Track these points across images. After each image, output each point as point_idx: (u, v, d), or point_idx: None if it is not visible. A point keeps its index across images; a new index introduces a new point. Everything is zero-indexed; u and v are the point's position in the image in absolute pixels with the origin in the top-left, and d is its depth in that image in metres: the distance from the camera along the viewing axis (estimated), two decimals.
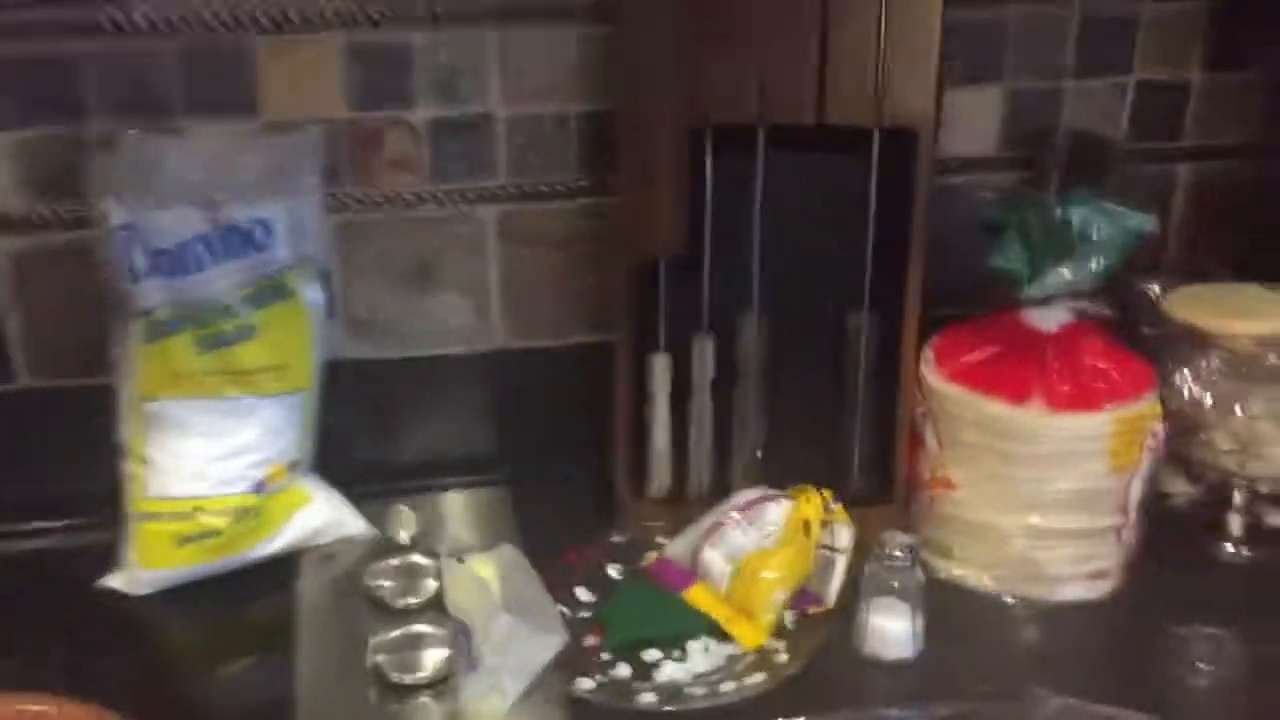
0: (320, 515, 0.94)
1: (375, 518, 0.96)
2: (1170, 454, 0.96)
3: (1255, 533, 0.99)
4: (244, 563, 0.91)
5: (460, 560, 0.87)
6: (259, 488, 0.90)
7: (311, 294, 0.93)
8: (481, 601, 0.82)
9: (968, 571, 0.93)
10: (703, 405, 0.97)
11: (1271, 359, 0.96)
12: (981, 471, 0.91)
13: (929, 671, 0.84)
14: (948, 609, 0.89)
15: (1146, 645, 0.89)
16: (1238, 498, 0.99)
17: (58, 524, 0.95)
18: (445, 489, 1.03)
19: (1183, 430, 0.96)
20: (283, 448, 0.92)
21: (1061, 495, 0.89)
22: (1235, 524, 1.00)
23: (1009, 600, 0.91)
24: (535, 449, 1.05)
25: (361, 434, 1.03)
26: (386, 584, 0.89)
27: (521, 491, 1.02)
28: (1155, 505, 0.95)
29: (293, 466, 0.93)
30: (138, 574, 0.89)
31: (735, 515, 0.91)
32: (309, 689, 0.80)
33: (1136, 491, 0.91)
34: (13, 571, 0.92)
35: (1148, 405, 0.91)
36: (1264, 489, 0.97)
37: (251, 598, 0.90)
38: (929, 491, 0.94)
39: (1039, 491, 0.89)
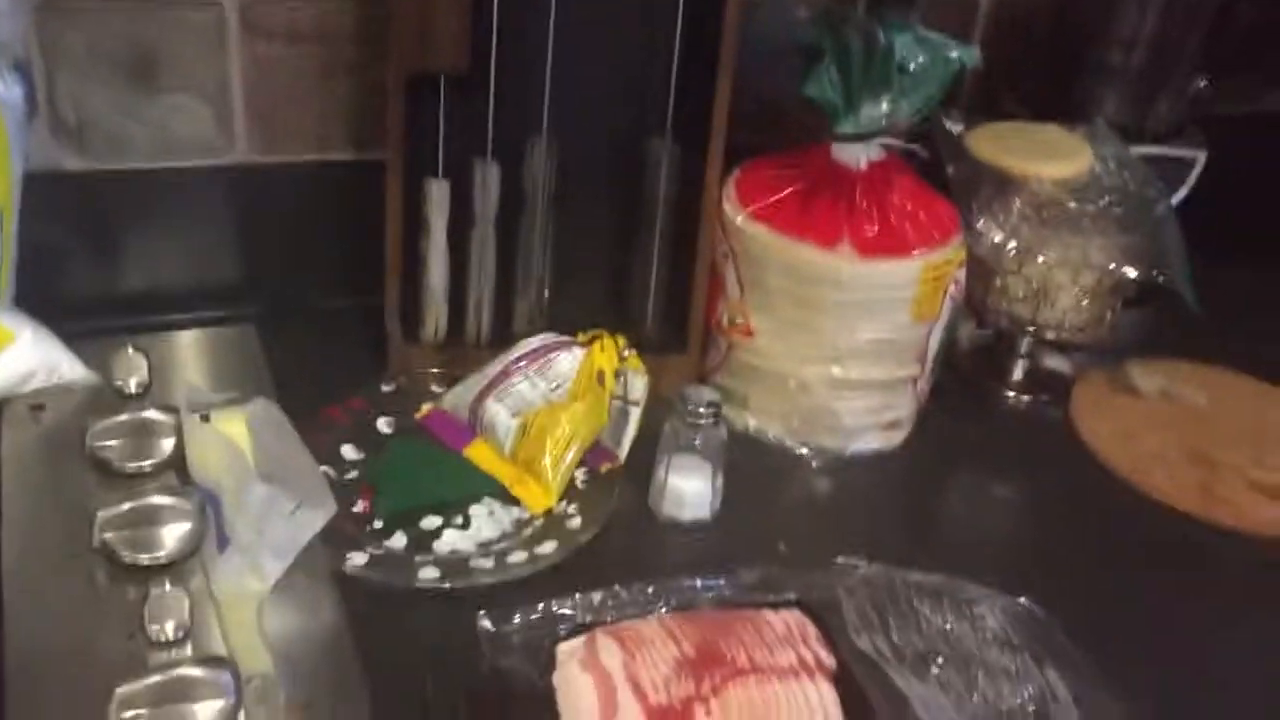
0: (26, 357, 0.79)
1: (97, 362, 0.81)
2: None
3: (1035, 378, 1.00)
4: None
5: (204, 417, 0.75)
6: None
7: (5, 90, 0.76)
8: (231, 466, 0.71)
9: (763, 422, 0.88)
10: (485, 238, 0.86)
11: (1071, 204, 0.94)
12: (783, 319, 0.85)
13: (729, 533, 0.80)
14: (742, 462, 0.85)
15: (935, 496, 0.89)
16: (1024, 345, 0.99)
17: None
18: (181, 326, 0.89)
19: (980, 275, 0.94)
20: None
21: (864, 345, 0.85)
22: (1019, 370, 1.00)
23: (803, 452, 0.88)
24: (289, 283, 0.92)
25: (78, 261, 0.87)
26: (113, 443, 0.75)
27: (274, 331, 0.89)
28: (945, 351, 0.93)
29: None
30: None
31: (522, 364, 0.83)
32: (19, 575, 0.67)
33: (935, 341, 0.88)
34: None
35: (954, 251, 0.87)
36: (1050, 335, 0.96)
37: None
38: (726, 338, 0.88)
39: (841, 341, 0.85)
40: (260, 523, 0.68)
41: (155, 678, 0.60)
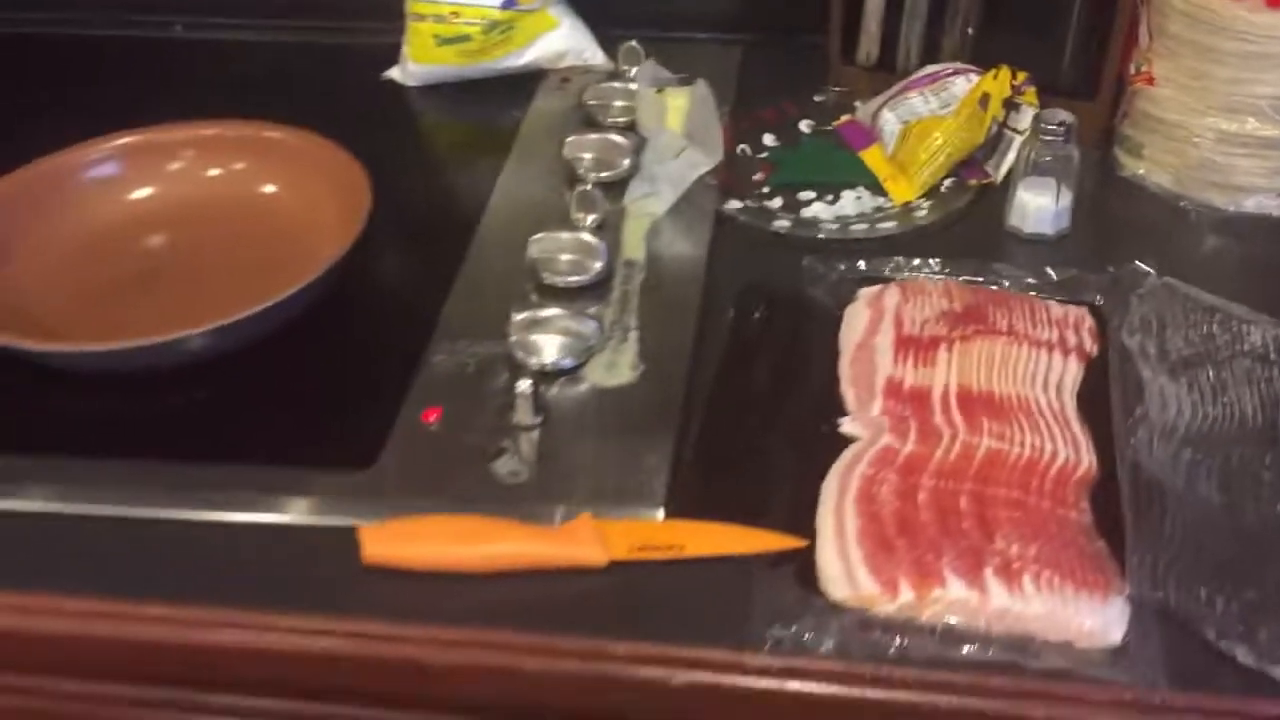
0: (564, 39, 1.07)
1: (611, 53, 1.07)
2: None
3: None
4: (493, 72, 1.06)
5: (659, 90, 0.97)
6: (509, 3, 1.03)
7: None
8: (662, 123, 0.93)
9: (1152, 172, 0.92)
10: None
11: None
12: (1184, 68, 0.88)
13: (1063, 251, 0.87)
14: (1116, 205, 0.91)
15: None
16: None
17: (354, 24, 1.13)
18: (683, 41, 1.12)
19: None
20: None
21: (1262, 101, 0.86)
22: None
23: (1183, 204, 0.91)
24: (777, 16, 1.10)
25: None
26: (599, 103, 1.00)
27: (750, 51, 1.09)
28: None
29: None
30: (410, 67, 1.06)
31: (923, 83, 0.95)
32: (507, 190, 0.94)
33: None
34: (316, 60, 1.12)
35: None
36: None
37: (494, 105, 1.05)
38: (1132, 86, 0.93)
39: (1236, 94, 0.86)
40: (662, 158, 0.89)
41: (564, 235, 0.84)
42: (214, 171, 0.92)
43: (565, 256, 0.83)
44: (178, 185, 0.92)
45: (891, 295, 0.80)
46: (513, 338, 0.77)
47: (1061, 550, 0.63)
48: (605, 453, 0.71)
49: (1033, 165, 0.87)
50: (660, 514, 0.67)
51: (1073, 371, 0.75)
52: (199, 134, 0.93)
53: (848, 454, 0.70)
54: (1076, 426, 0.71)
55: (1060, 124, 0.85)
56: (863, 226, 0.88)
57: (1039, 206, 0.87)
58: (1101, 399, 0.73)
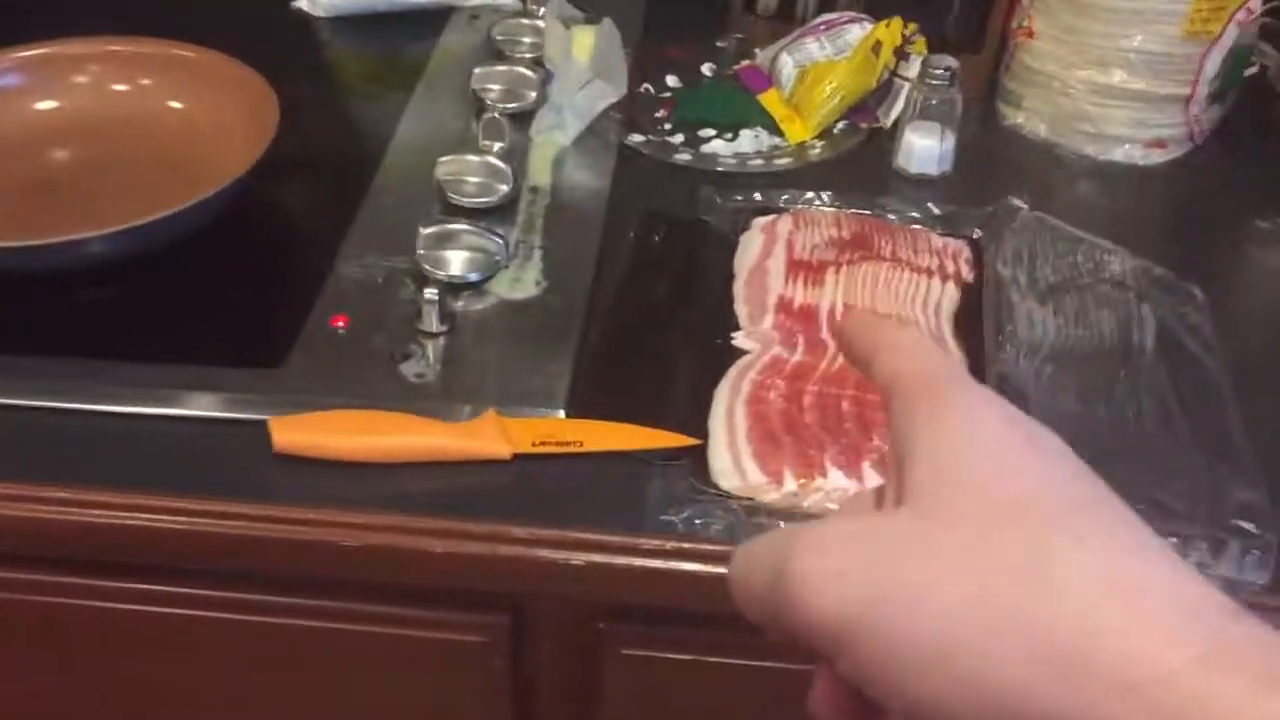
0: None
1: None
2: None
3: None
4: (402, 6, 1.08)
5: (566, 25, 1.00)
6: None
7: None
8: (569, 57, 0.96)
9: (1030, 121, 0.98)
10: None
11: None
12: (1060, 23, 0.94)
13: (945, 191, 0.92)
14: (995, 150, 0.97)
15: (1189, 213, 0.94)
16: None
17: None
18: None
19: None
20: None
21: (1131, 55, 0.92)
22: None
23: (1060, 153, 0.97)
24: None
25: None
26: (505, 38, 1.03)
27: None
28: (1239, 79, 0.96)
29: None
30: None
31: (820, 29, 0.99)
32: (414, 120, 0.97)
33: (1212, 64, 0.92)
34: None
35: None
36: None
37: (403, 39, 1.07)
38: (1013, 40, 0.99)
39: (1107, 48, 0.92)
40: (572, 93, 0.93)
41: (473, 158, 0.87)
42: (120, 87, 0.93)
43: (472, 179, 0.86)
44: (83, 99, 0.92)
45: (784, 223, 0.84)
46: (420, 251, 0.79)
47: None
48: (509, 358, 0.74)
49: (919, 109, 0.92)
50: (562, 413, 0.71)
51: (950, 295, 0.80)
52: (105, 49, 0.93)
53: (740, 363, 0.74)
54: (951, 343, 0.76)
55: (945, 69, 0.90)
56: (759, 162, 0.93)
57: (924, 147, 0.92)
58: (974, 321, 0.78)
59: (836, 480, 0.65)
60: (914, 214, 0.87)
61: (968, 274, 0.82)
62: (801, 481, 0.65)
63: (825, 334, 0.76)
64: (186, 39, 0.94)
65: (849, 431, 0.68)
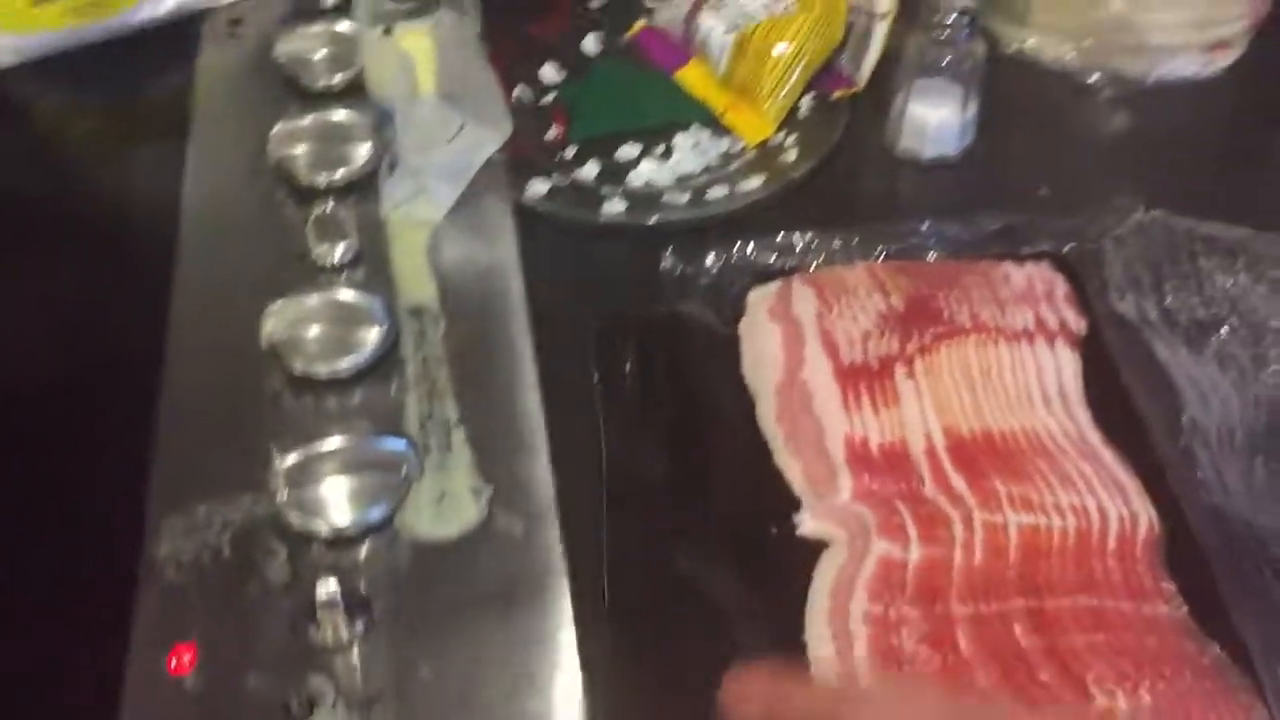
0: None
1: None
2: None
3: None
4: (129, 28, 0.74)
5: (386, 30, 0.68)
6: None
7: None
8: (406, 83, 0.65)
9: (1046, 42, 0.72)
10: None
11: None
12: None
13: (979, 175, 0.66)
14: (1012, 93, 0.70)
15: (1260, 140, 0.70)
16: None
17: None
18: None
19: None
20: None
21: None
22: None
23: (1094, 79, 0.71)
24: None
25: None
26: (301, 58, 0.71)
27: None
28: None
29: None
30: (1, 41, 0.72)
31: None
32: (200, 186, 0.65)
33: None
34: None
35: None
36: None
37: (143, 74, 0.74)
38: None
39: None
40: (427, 142, 0.62)
41: (308, 297, 0.56)
42: None
43: (317, 329, 0.56)
44: None
45: (803, 299, 0.57)
46: (281, 494, 0.50)
47: (1180, 683, 0.44)
48: (470, 665, 0.46)
49: (924, 68, 0.65)
50: None
51: (1069, 367, 0.55)
52: None
53: (825, 580, 0.48)
54: (1110, 459, 0.51)
55: (962, 12, 0.63)
56: (721, 192, 0.64)
57: (940, 123, 0.66)
58: (1114, 401, 0.54)
59: None
60: (964, 238, 0.61)
61: (1076, 321, 0.57)
62: None
63: (935, 493, 0.50)
64: None
65: (1050, 687, 0.43)
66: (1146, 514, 0.49)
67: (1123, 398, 0.53)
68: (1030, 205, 0.63)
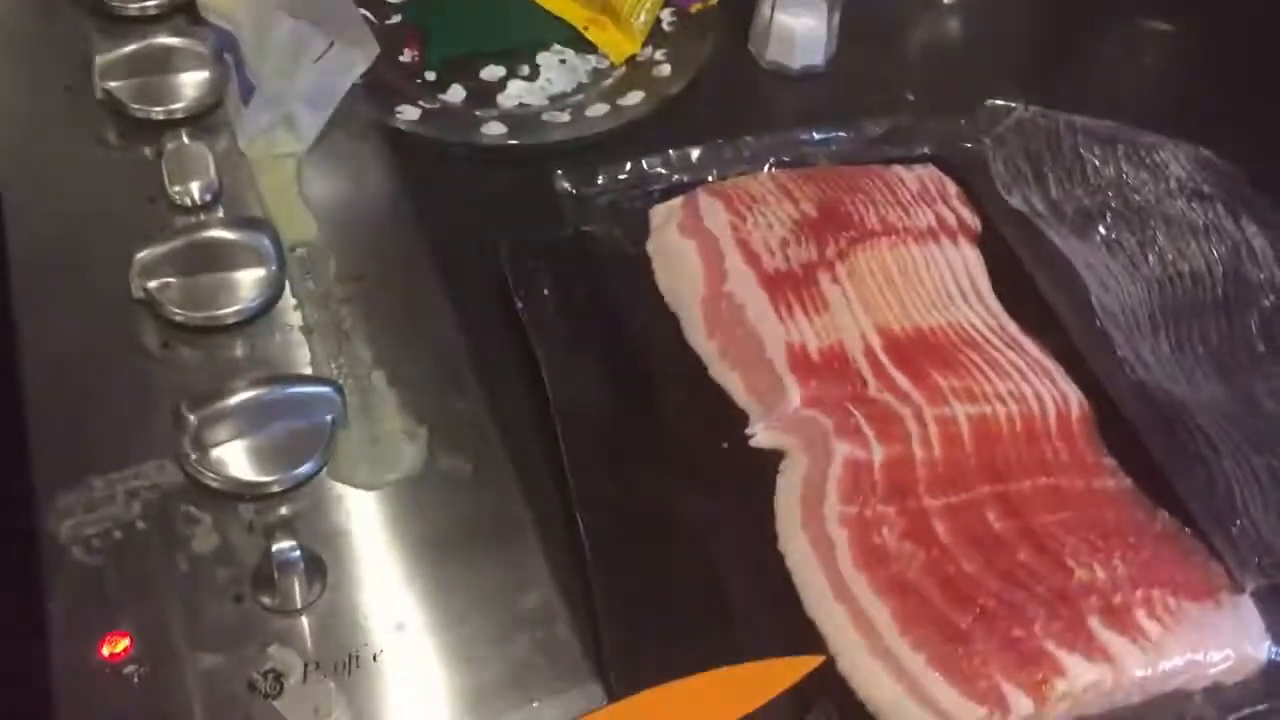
0: None
1: None
2: None
3: None
4: None
5: None
6: None
7: None
8: (260, 3, 0.58)
9: None
10: None
11: None
12: None
13: (846, 81, 0.67)
14: (860, 5, 0.71)
15: (1099, 35, 0.73)
16: None
17: None
18: None
19: None
20: None
21: None
22: None
23: None
24: None
25: None
26: None
27: None
28: None
29: None
30: None
31: None
32: (13, 131, 0.57)
33: None
34: None
35: None
36: None
37: None
38: None
39: None
40: (289, 67, 0.56)
41: (180, 241, 0.50)
42: None
43: (194, 275, 0.50)
44: None
45: (713, 212, 0.55)
46: (191, 455, 0.44)
47: (1144, 551, 0.45)
48: (445, 607, 0.43)
49: None
50: (601, 696, 0.41)
51: (975, 263, 0.56)
52: None
53: (791, 489, 0.47)
54: (1031, 346, 0.53)
55: None
56: (603, 109, 0.62)
57: (807, 31, 0.65)
58: (1021, 291, 0.55)
59: (1081, 672, 0.42)
60: (849, 145, 0.61)
61: (971, 218, 0.58)
62: (1037, 693, 0.41)
63: (881, 392, 0.50)
64: None
65: (1034, 569, 0.44)
66: (1075, 395, 0.51)
67: (1029, 287, 0.55)
68: (902, 110, 0.64)
